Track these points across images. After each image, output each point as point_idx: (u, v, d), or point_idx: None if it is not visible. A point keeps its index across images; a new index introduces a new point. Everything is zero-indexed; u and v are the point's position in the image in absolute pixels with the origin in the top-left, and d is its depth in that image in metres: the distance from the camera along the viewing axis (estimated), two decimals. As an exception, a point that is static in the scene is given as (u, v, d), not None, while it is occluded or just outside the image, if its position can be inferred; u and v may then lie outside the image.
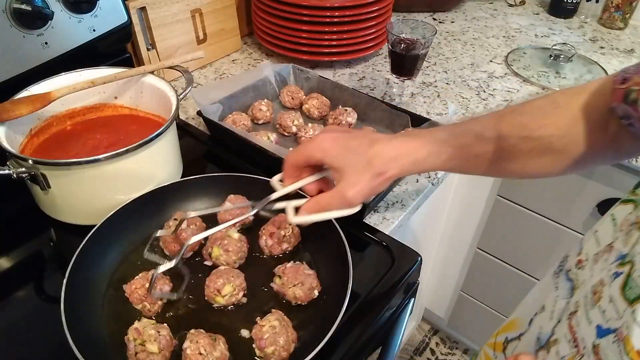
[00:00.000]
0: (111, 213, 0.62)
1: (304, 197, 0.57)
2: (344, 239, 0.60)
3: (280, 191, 0.56)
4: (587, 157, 0.55)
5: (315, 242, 0.65)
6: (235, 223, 0.57)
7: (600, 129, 0.53)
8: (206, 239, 0.63)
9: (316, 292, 0.58)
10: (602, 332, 0.39)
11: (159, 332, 0.52)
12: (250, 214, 0.57)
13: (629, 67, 0.51)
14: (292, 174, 0.55)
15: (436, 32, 0.93)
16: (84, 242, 0.58)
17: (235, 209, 0.65)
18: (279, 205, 0.56)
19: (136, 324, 0.53)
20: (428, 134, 0.54)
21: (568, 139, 0.54)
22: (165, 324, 0.54)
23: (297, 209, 0.55)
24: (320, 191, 0.57)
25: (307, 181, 0.56)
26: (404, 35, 0.94)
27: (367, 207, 0.70)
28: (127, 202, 0.64)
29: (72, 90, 0.71)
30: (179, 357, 0.52)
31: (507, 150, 0.54)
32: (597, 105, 0.53)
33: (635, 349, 0.35)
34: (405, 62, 0.95)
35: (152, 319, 0.55)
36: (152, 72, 0.77)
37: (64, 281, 0.54)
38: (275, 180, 0.58)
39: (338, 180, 0.52)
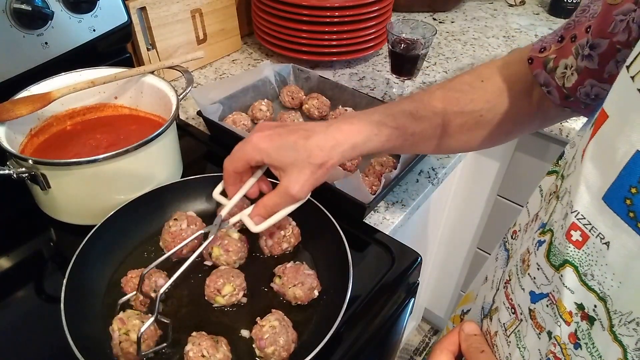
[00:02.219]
0: (111, 213, 0.62)
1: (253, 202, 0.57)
2: (344, 239, 0.60)
3: (228, 205, 0.57)
4: (517, 125, 0.59)
5: (315, 242, 0.65)
6: (196, 255, 0.55)
7: (525, 98, 0.56)
8: (206, 239, 0.63)
9: (316, 292, 0.58)
10: (535, 297, 0.41)
11: (142, 322, 0.52)
12: (207, 242, 0.56)
13: (546, 36, 0.55)
14: (234, 181, 0.56)
15: (436, 32, 0.93)
16: (83, 243, 0.58)
17: (236, 208, 0.65)
18: (234, 219, 0.57)
19: (120, 315, 0.53)
20: (363, 116, 0.54)
21: (496, 110, 0.57)
22: (149, 315, 0.54)
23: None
24: (261, 192, 0.57)
25: (249, 185, 0.56)
26: (404, 35, 0.94)
27: (367, 208, 0.70)
28: (127, 202, 0.64)
29: (72, 90, 0.71)
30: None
31: (442, 126, 0.57)
32: (520, 74, 0.56)
33: (567, 310, 0.37)
34: (405, 62, 0.95)
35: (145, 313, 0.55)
36: (152, 72, 0.77)
37: (64, 281, 0.54)
38: (216, 194, 0.58)
39: (281, 177, 0.52)
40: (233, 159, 0.54)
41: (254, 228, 0.55)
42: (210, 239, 0.56)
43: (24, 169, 0.61)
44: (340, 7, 1.01)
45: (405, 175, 0.79)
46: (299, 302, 0.58)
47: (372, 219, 0.74)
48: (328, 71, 1.11)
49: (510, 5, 1.48)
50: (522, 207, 0.54)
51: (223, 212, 0.57)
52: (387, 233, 0.71)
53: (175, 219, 0.64)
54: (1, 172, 0.60)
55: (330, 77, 1.09)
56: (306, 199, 0.54)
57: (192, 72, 1.01)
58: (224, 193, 0.58)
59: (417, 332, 1.76)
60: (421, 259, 0.66)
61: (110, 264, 0.61)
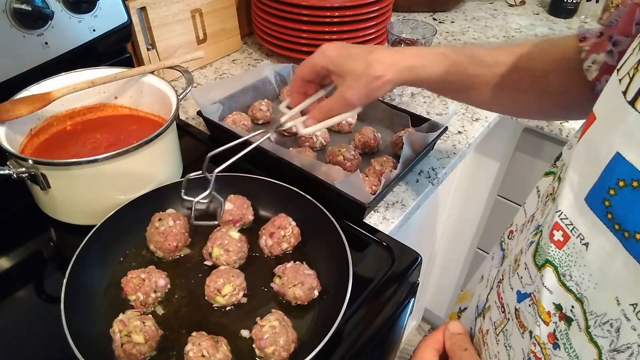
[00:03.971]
0: (111, 213, 0.62)
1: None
2: (344, 239, 0.60)
3: (289, 113, 0.60)
4: (572, 102, 0.58)
5: (315, 242, 0.65)
6: (252, 147, 0.59)
7: (577, 71, 0.56)
8: (207, 238, 0.63)
9: (316, 292, 0.58)
10: (520, 297, 0.42)
11: (144, 322, 0.52)
12: (266, 137, 0.60)
13: (592, 29, 0.55)
14: (299, 88, 0.59)
15: (436, 32, 0.93)
16: (83, 243, 0.58)
17: (235, 208, 0.66)
18: (289, 124, 0.60)
19: (121, 316, 0.53)
20: (428, 47, 0.58)
21: (554, 75, 0.57)
22: (149, 315, 0.54)
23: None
24: None
25: (311, 100, 0.59)
26: (404, 35, 0.94)
27: (367, 208, 0.70)
28: (127, 202, 0.64)
29: (72, 90, 0.71)
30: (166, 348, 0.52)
31: (499, 76, 0.58)
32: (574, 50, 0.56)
33: (546, 310, 0.37)
34: None
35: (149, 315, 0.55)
36: (152, 72, 0.77)
37: (64, 281, 0.54)
38: (282, 106, 0.62)
39: (339, 84, 0.55)
40: (302, 65, 0.58)
41: (303, 130, 0.58)
42: (267, 135, 0.60)
43: (24, 169, 0.61)
44: (340, 7, 1.01)
45: (405, 175, 0.79)
46: (299, 302, 0.58)
47: (372, 219, 0.74)
48: (328, 71, 1.11)
49: (510, 5, 1.48)
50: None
51: (282, 119, 0.60)
52: (387, 233, 0.71)
53: (159, 220, 0.63)
54: (1, 172, 0.60)
55: (330, 77, 1.09)
56: (359, 109, 0.57)
57: (192, 72, 1.00)
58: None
59: (417, 332, 1.76)
60: (421, 259, 0.66)
61: (110, 264, 0.61)
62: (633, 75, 0.30)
